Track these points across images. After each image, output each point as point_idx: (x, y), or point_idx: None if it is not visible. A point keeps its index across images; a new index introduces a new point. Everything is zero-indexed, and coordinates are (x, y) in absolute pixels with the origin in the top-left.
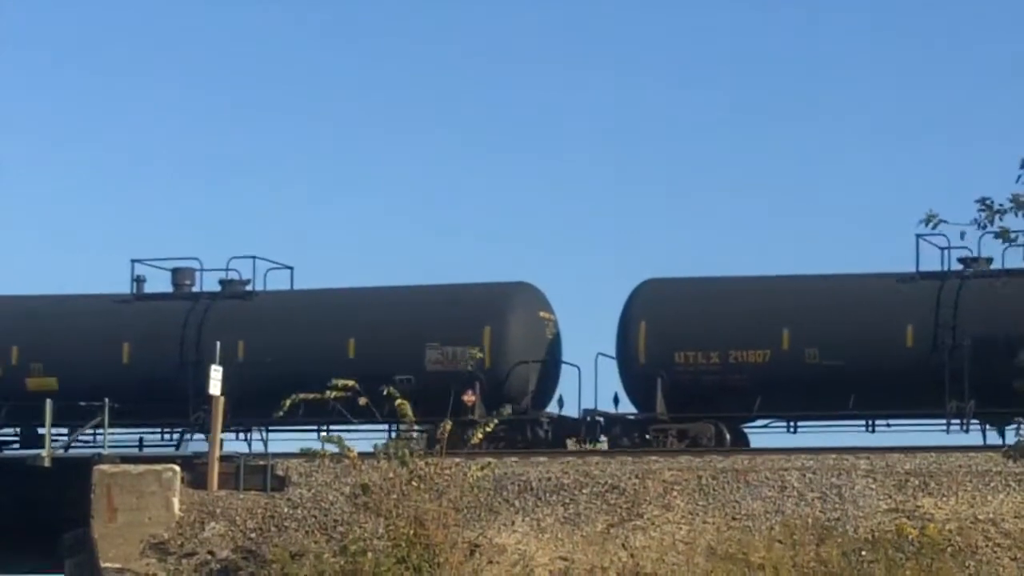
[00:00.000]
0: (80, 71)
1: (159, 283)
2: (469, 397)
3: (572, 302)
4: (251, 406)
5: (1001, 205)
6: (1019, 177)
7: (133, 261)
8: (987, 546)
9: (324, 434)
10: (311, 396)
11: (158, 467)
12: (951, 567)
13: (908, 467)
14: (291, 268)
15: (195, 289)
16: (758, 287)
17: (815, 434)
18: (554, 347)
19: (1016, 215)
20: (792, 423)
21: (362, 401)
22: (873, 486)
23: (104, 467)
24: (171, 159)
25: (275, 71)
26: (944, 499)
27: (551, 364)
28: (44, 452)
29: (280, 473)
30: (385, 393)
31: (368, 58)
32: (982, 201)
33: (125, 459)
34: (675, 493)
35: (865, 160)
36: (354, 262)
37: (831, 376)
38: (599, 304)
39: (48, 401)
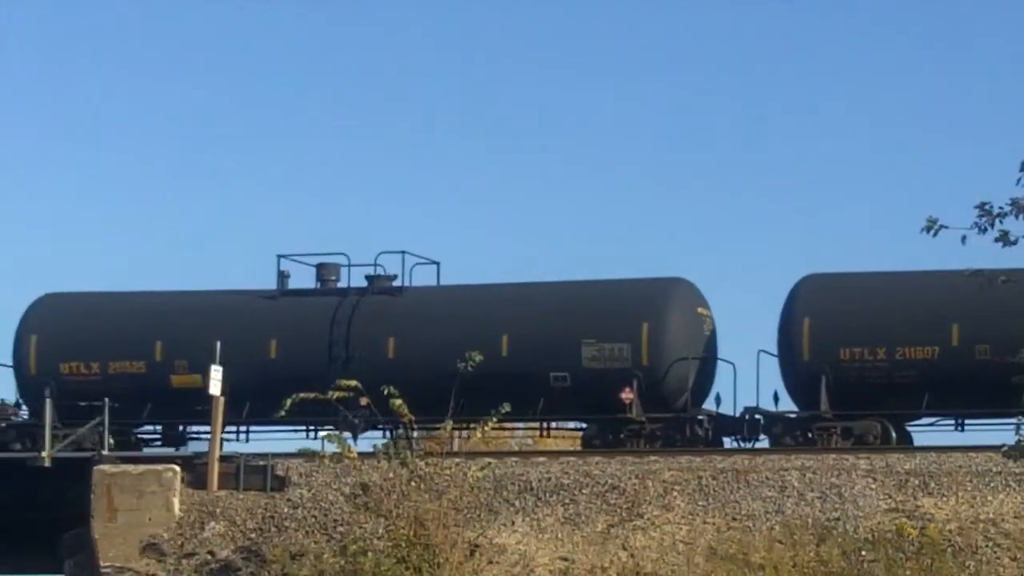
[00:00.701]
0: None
1: (301, 279)
2: (627, 395)
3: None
4: (406, 404)
5: (1001, 208)
6: (1019, 180)
7: (279, 256)
8: (987, 546)
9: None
10: (311, 396)
11: (158, 467)
12: (951, 567)
13: (908, 467)
14: (437, 263)
15: (340, 285)
16: (922, 282)
17: (983, 432)
18: (711, 344)
19: (1016, 218)
20: (960, 421)
21: (363, 401)
22: (873, 486)
23: (104, 467)
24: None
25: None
26: (944, 499)
27: (708, 361)
28: (44, 452)
29: (280, 473)
30: (385, 393)
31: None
32: (981, 206)
33: (125, 459)
34: (675, 493)
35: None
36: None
37: (1004, 373)
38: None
39: (48, 402)
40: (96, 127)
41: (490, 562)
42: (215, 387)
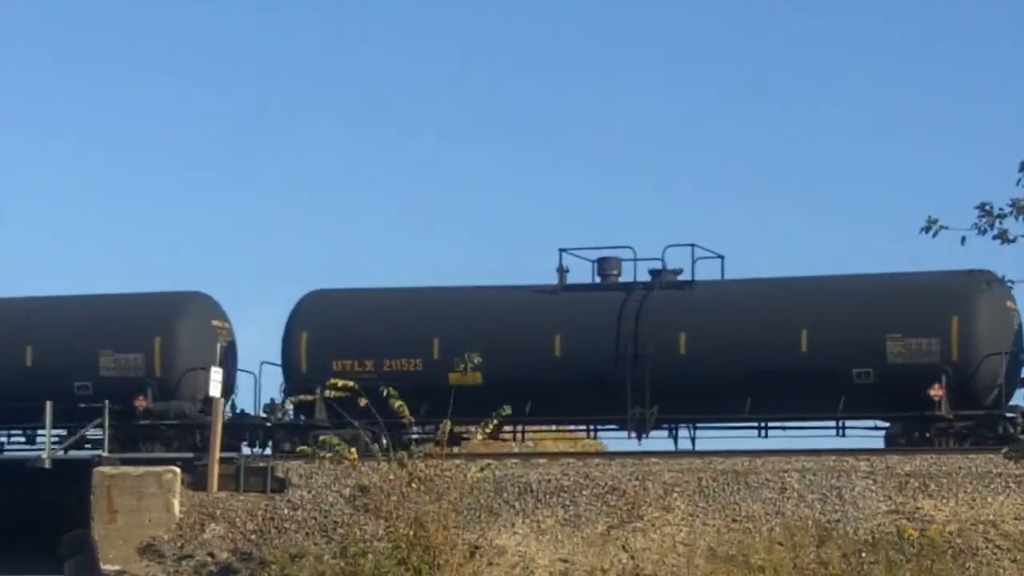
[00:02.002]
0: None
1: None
2: (936, 391)
3: None
4: (694, 402)
5: (1001, 209)
6: (1019, 180)
7: (561, 250)
8: (987, 548)
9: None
10: (311, 398)
11: (158, 469)
12: (951, 569)
13: (908, 468)
14: (722, 257)
15: (622, 279)
16: None
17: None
18: (1018, 338)
19: (1016, 219)
20: None
21: (362, 402)
22: (873, 487)
23: (104, 469)
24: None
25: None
26: (944, 501)
27: (1016, 356)
28: (44, 454)
29: (280, 475)
30: (385, 394)
31: None
32: (981, 207)
33: (125, 461)
34: (675, 495)
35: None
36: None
37: None
38: None
39: (48, 403)
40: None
41: (490, 563)
42: (215, 389)
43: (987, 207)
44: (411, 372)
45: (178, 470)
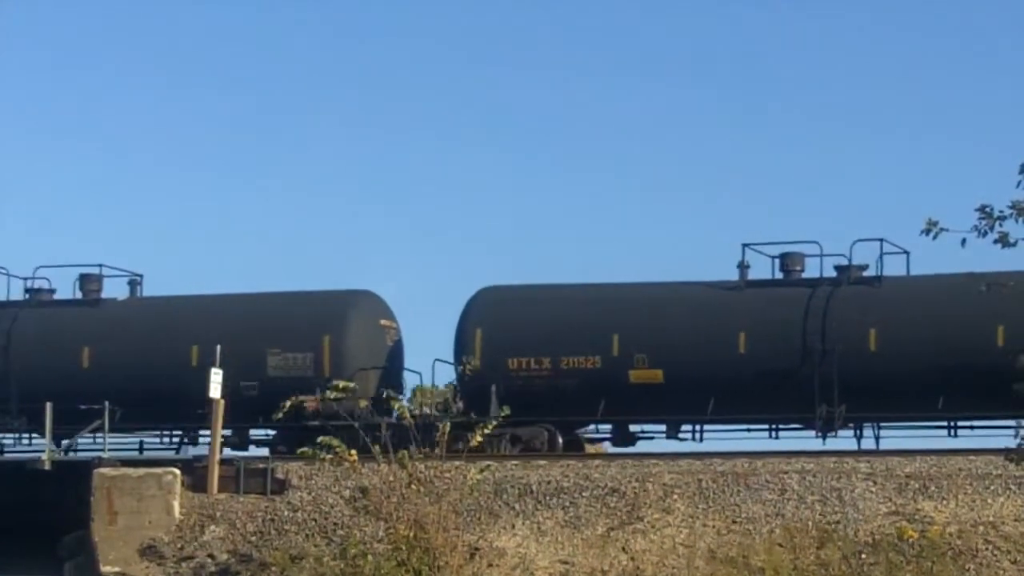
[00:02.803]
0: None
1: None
2: None
3: None
4: (884, 401)
5: (1001, 211)
6: (1019, 183)
7: (744, 245)
8: (987, 549)
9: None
10: (311, 399)
11: (158, 470)
12: (951, 570)
13: (908, 470)
14: (907, 253)
15: (805, 275)
16: None
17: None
18: None
19: (1016, 221)
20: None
21: (362, 403)
22: (873, 489)
23: (104, 470)
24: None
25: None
26: (944, 502)
27: None
28: (44, 455)
29: (280, 476)
30: (385, 396)
31: None
32: (982, 209)
33: (125, 462)
34: (675, 496)
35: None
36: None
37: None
38: None
39: (48, 404)
40: None
41: (490, 565)
42: (215, 390)
43: (987, 209)
44: (589, 369)
45: (178, 471)
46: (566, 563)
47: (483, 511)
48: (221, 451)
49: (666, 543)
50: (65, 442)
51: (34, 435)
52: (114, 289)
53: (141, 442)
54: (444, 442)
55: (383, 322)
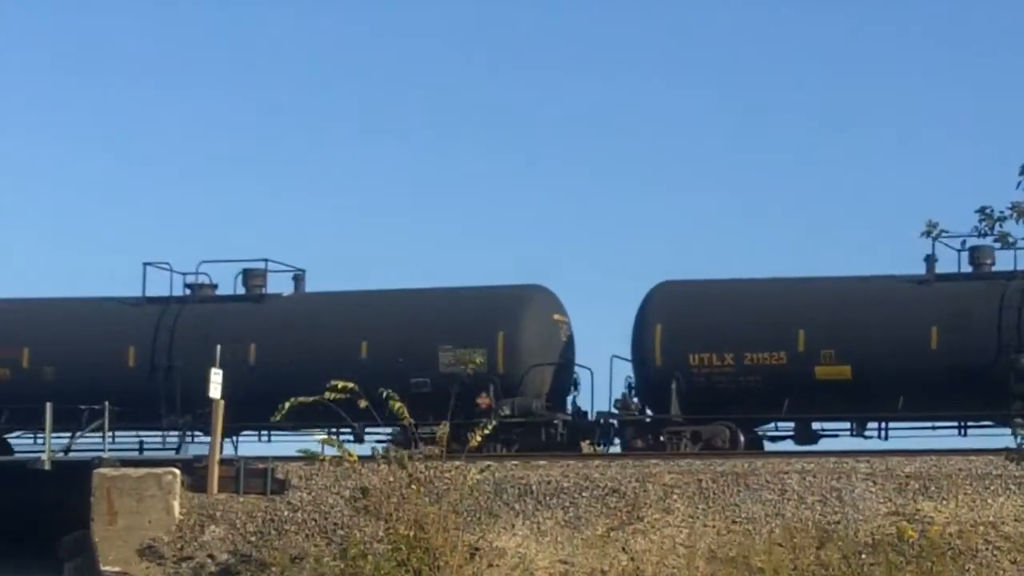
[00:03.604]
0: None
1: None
2: None
3: None
4: None
5: (1001, 212)
6: (1019, 183)
7: (932, 239)
8: (987, 549)
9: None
10: (311, 399)
11: (158, 470)
12: (951, 570)
13: (908, 470)
14: None
15: (994, 268)
16: None
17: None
18: None
19: (1016, 222)
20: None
21: (362, 403)
22: (873, 489)
23: (104, 470)
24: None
25: None
26: (944, 502)
27: None
28: (44, 455)
29: (280, 476)
30: (384, 396)
31: None
32: (982, 210)
33: (125, 462)
34: (675, 496)
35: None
36: None
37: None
38: None
39: (48, 404)
40: None
41: (490, 565)
42: (215, 390)
43: (987, 210)
44: (774, 366)
45: (178, 472)
46: (566, 563)
47: (483, 511)
48: (221, 451)
49: (666, 543)
50: (64, 442)
51: (197, 433)
52: (274, 285)
53: (141, 442)
54: (444, 441)
55: (556, 317)
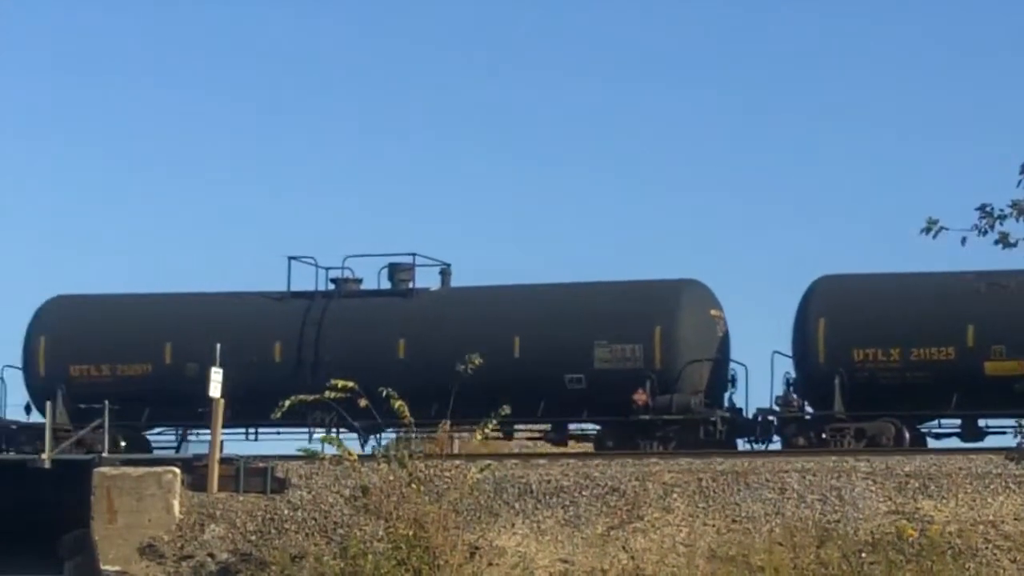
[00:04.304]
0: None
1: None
2: None
3: None
4: None
5: (1002, 211)
6: (1020, 182)
7: None
8: (987, 548)
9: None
10: (311, 398)
11: (158, 469)
12: (951, 569)
13: (908, 469)
14: None
15: None
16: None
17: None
18: None
19: (1017, 220)
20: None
21: (362, 403)
22: (873, 488)
23: (104, 469)
24: None
25: None
26: (944, 501)
27: None
28: (44, 454)
29: (280, 475)
30: (384, 395)
31: None
32: (982, 208)
33: (125, 461)
34: (675, 495)
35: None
36: None
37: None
38: None
39: (48, 403)
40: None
41: (490, 564)
42: (215, 389)
43: (988, 208)
44: (942, 361)
45: (178, 471)
46: (566, 562)
47: (483, 510)
48: (221, 450)
49: (666, 542)
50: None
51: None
52: (417, 279)
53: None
54: (444, 439)
55: (713, 312)
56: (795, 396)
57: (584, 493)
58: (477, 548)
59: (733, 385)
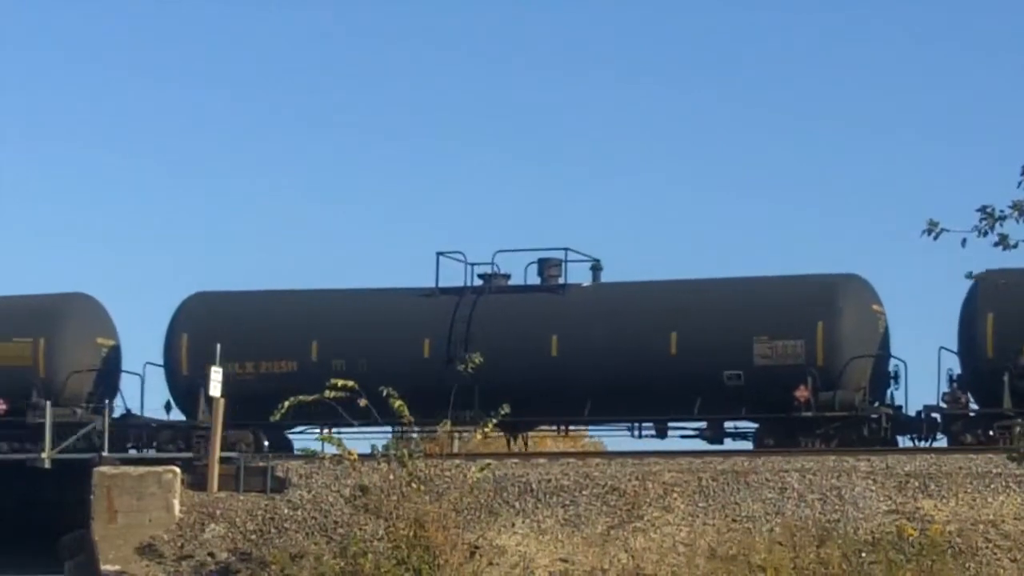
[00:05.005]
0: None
1: None
2: None
3: None
4: None
5: (1002, 212)
6: (1020, 183)
7: None
8: (987, 548)
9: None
10: (310, 398)
11: (158, 469)
12: (951, 569)
13: (908, 468)
14: None
15: None
16: None
17: None
18: None
19: (1017, 221)
20: None
21: (362, 403)
22: (873, 487)
23: (104, 469)
24: None
25: None
26: (944, 501)
27: None
28: (44, 453)
29: (280, 475)
30: (385, 394)
31: None
32: (983, 209)
33: (125, 461)
34: (675, 495)
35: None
36: None
37: None
38: None
39: (48, 403)
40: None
41: (490, 563)
42: (215, 388)
43: (988, 209)
44: None
45: (178, 470)
46: (566, 561)
47: (483, 509)
48: (222, 449)
49: (666, 541)
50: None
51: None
52: (565, 275)
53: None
54: (444, 439)
55: (874, 307)
56: (963, 393)
57: (584, 492)
58: (477, 547)
59: (896, 382)
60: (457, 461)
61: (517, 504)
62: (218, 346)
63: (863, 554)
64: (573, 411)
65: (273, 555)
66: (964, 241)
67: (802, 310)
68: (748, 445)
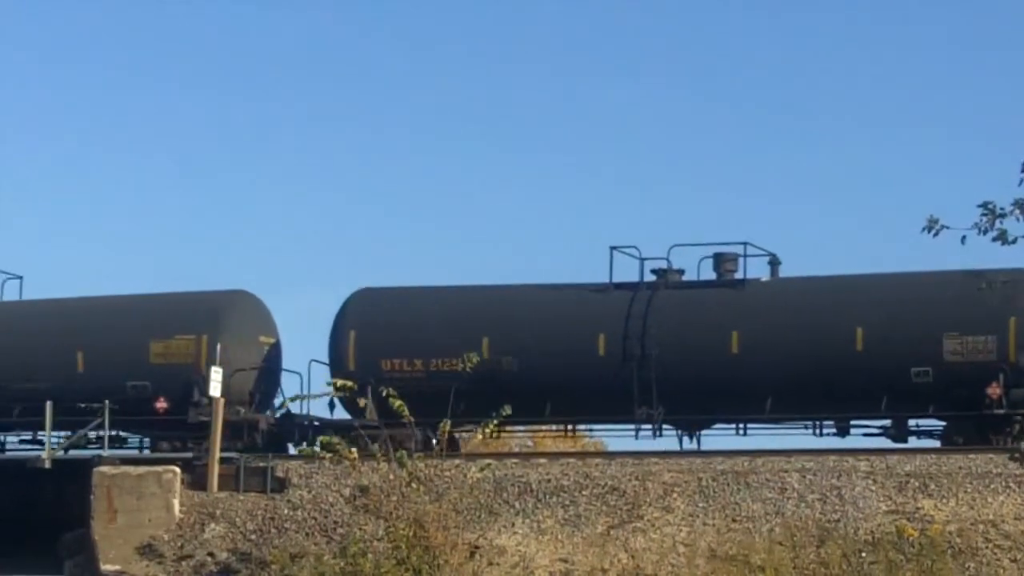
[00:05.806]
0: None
1: None
2: None
3: None
4: None
5: (1003, 209)
6: (1021, 181)
7: None
8: (987, 547)
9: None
10: (308, 396)
11: (158, 468)
12: (951, 569)
13: (908, 468)
14: None
15: None
16: None
17: None
18: None
19: (1018, 219)
20: None
21: (361, 402)
22: (873, 488)
23: (104, 468)
24: None
25: None
26: (944, 501)
27: None
28: (44, 453)
29: (280, 475)
30: (385, 394)
31: None
32: (984, 205)
33: (125, 461)
34: (675, 495)
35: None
36: None
37: None
38: None
39: (48, 403)
40: None
41: (490, 563)
42: (215, 388)
43: (990, 206)
44: None
45: (178, 470)
46: (566, 561)
47: (483, 509)
48: (223, 448)
49: (666, 541)
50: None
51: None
52: (740, 270)
53: (141, 439)
54: (444, 440)
55: None
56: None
57: (584, 492)
58: (477, 547)
59: None
60: (457, 461)
61: (517, 504)
62: (218, 347)
63: (863, 554)
64: (753, 409)
65: (273, 555)
66: (964, 239)
67: (994, 305)
68: (935, 443)
